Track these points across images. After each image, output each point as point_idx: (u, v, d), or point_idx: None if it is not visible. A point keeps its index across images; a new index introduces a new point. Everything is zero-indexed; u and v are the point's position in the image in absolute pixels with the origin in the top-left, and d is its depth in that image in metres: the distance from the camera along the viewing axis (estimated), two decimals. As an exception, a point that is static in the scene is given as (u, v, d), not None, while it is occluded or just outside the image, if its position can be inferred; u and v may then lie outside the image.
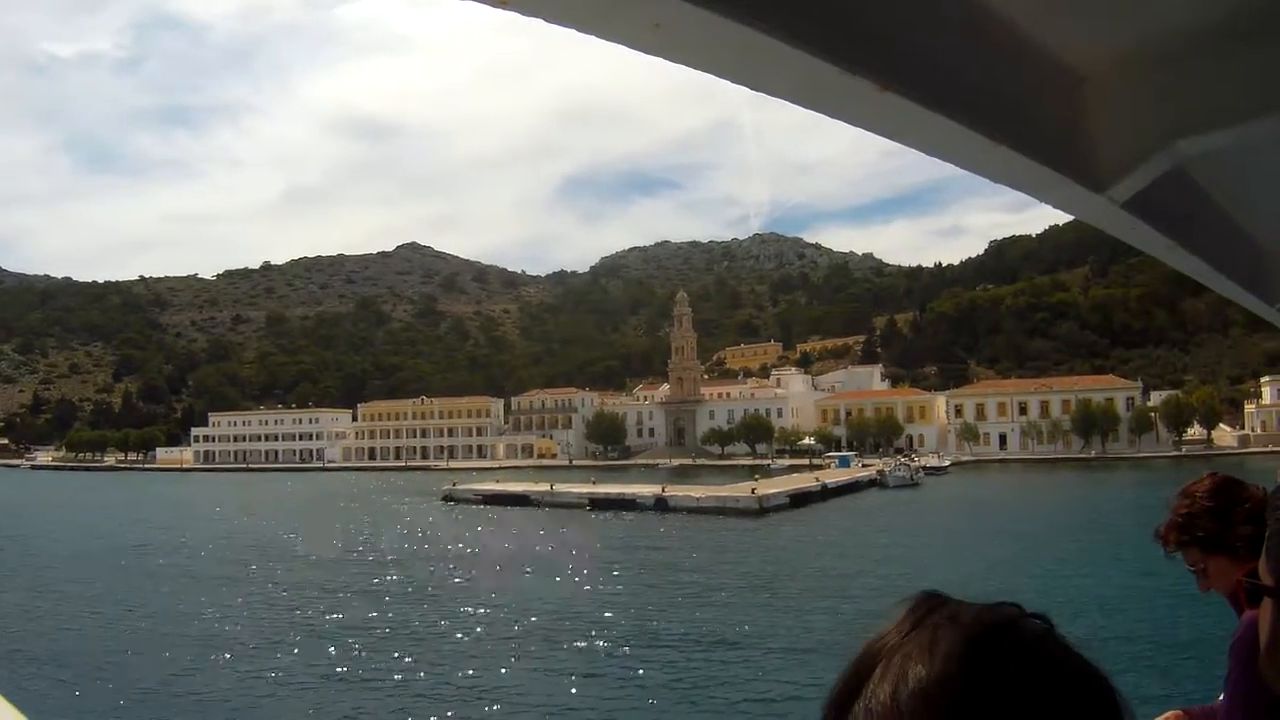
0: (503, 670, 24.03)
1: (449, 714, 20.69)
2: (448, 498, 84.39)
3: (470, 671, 23.94)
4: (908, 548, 44.57)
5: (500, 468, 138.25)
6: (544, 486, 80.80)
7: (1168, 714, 3.05)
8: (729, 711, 20.50)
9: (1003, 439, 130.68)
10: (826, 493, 74.81)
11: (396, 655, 25.75)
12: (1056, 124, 1.57)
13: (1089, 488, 79.99)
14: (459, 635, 28.42)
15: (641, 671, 23.30)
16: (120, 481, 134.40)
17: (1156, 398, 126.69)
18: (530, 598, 34.03)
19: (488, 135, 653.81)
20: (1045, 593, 31.19)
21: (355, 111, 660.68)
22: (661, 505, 67.58)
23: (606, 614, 30.53)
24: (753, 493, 65.74)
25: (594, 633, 27.61)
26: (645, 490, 72.67)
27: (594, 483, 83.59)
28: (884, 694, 0.75)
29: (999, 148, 1.41)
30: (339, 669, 24.62)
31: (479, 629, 29.58)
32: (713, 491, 69.88)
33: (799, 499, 69.10)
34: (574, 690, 22.10)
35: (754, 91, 1.14)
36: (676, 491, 70.47)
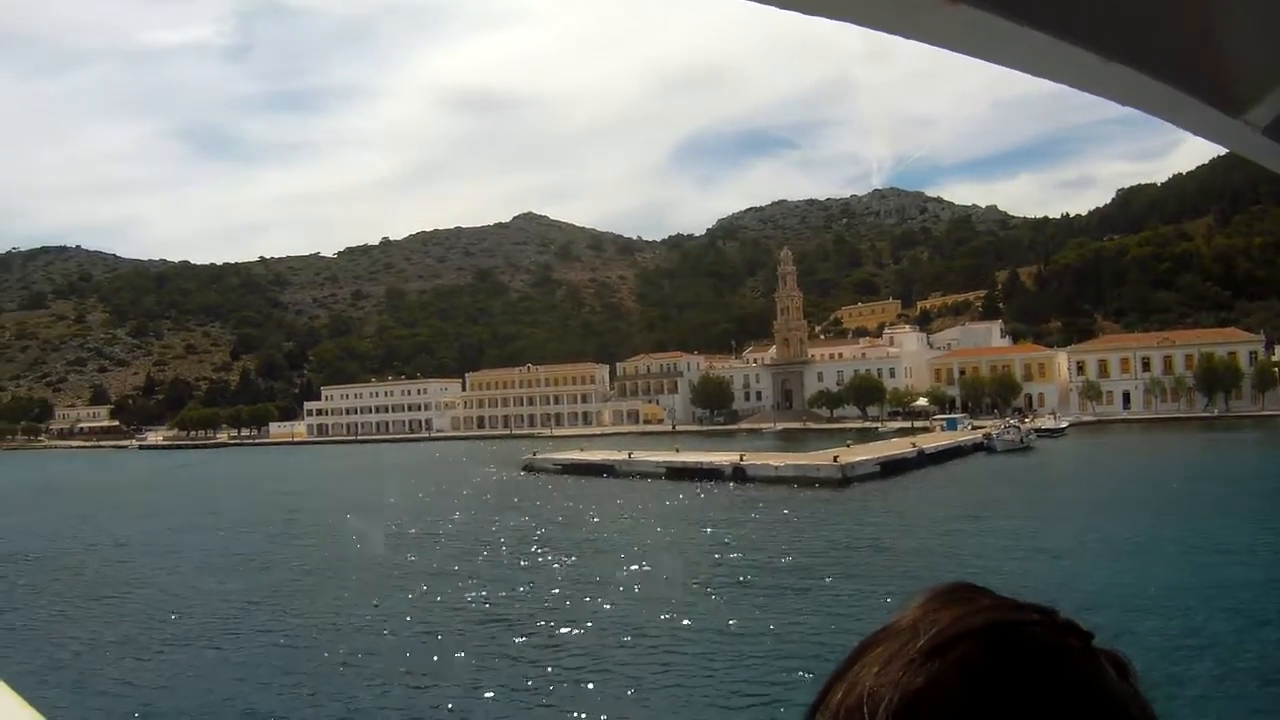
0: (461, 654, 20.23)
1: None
2: (528, 467, 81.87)
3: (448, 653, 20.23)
4: (988, 523, 38.93)
5: (604, 434, 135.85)
6: (623, 455, 77.29)
7: None
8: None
9: (1126, 397, 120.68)
10: (923, 459, 68.68)
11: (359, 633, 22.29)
12: (1177, 39, 1.38)
13: (1208, 451, 71.75)
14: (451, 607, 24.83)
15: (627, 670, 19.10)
16: (205, 458, 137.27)
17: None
18: (533, 573, 30.34)
19: (600, 103, 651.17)
20: (1147, 580, 25.87)
21: (467, 86, 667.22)
22: (739, 474, 63.04)
23: (603, 603, 26.38)
24: (835, 460, 60.32)
25: (575, 620, 23.51)
26: (723, 459, 68.06)
27: (676, 450, 79.49)
28: (834, 699, 0.69)
29: (1111, 64, 1.28)
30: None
31: (489, 601, 27.07)
32: (792, 460, 64.79)
33: (890, 467, 63.25)
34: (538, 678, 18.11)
35: (809, 15, 1.03)
36: (755, 460, 65.59)
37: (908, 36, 1.21)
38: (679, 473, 67.52)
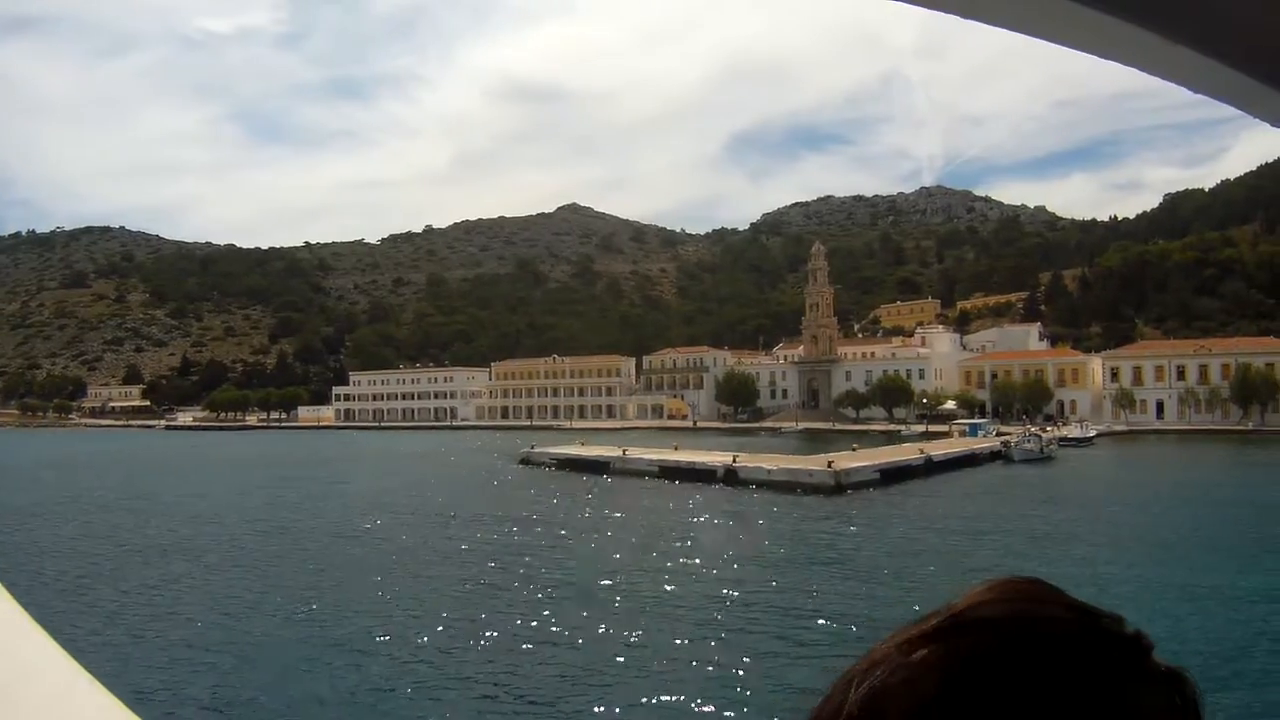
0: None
1: None
2: (525, 460, 79.47)
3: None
4: (968, 538, 35.32)
5: (626, 428, 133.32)
6: (618, 451, 74.30)
7: None
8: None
9: (1160, 406, 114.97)
10: (931, 467, 64.71)
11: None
12: (1249, 21, 1.28)
13: (1239, 468, 66.80)
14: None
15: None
16: (221, 439, 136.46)
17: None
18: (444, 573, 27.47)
19: (652, 96, 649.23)
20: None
21: (520, 77, 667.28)
22: (731, 476, 59.73)
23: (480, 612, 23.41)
24: (829, 466, 56.66)
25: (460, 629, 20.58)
26: (716, 459, 64.66)
27: (675, 448, 76.33)
28: (851, 672, 0.64)
29: (1176, 47, 1.21)
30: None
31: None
32: (785, 463, 61.11)
33: (892, 474, 59.45)
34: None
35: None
36: (748, 462, 62.12)
37: (964, 15, 1.17)
38: (671, 472, 64.49)
